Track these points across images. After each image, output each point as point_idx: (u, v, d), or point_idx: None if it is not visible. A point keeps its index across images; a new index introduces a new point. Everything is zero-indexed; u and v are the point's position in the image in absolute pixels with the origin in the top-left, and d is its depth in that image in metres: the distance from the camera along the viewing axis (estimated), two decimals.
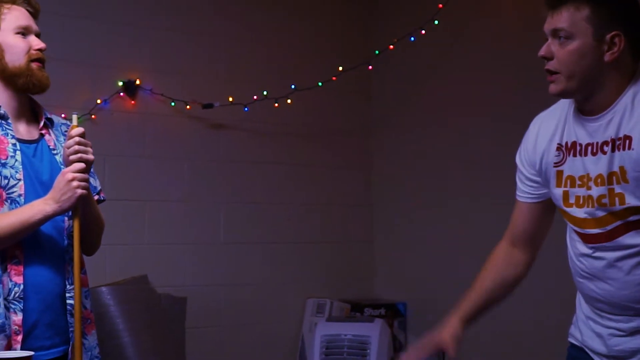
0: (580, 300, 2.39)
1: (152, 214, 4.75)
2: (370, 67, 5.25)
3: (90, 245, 2.62)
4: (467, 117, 4.98)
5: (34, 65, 2.52)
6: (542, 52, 2.20)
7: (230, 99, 4.94)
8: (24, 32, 2.53)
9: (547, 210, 2.42)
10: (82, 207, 2.48)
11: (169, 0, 4.88)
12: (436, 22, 4.86)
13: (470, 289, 2.48)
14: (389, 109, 5.52)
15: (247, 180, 5.11)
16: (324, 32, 5.46)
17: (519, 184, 2.43)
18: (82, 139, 2.45)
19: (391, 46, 5.08)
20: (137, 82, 4.68)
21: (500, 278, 2.48)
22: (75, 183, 2.39)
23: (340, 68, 5.17)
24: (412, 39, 4.98)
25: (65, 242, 2.53)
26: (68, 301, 2.50)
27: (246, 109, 5.00)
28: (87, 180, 2.44)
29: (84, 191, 2.41)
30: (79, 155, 2.43)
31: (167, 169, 4.82)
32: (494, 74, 4.81)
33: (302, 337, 5.04)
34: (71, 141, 2.44)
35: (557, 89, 2.19)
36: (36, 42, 2.54)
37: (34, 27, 2.57)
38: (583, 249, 2.27)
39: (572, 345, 2.43)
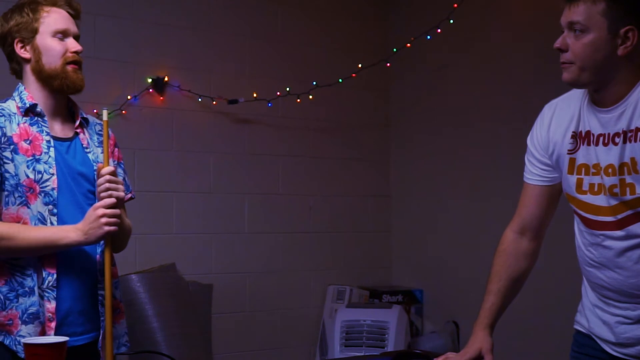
0: (586, 288, 2.36)
1: (179, 205, 4.75)
2: (388, 64, 5.22)
3: (117, 247, 2.59)
4: (481, 112, 4.94)
5: (70, 67, 2.48)
6: (557, 44, 2.17)
7: (255, 95, 4.94)
8: (62, 35, 2.49)
9: (555, 195, 2.38)
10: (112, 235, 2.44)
11: (196, 1, 4.87)
12: (451, 21, 4.82)
13: (486, 292, 2.41)
14: (406, 104, 5.50)
15: (270, 172, 5.10)
16: (344, 31, 5.44)
17: (528, 166, 2.39)
18: (112, 177, 2.43)
19: (408, 44, 5.06)
20: (166, 79, 4.68)
21: (514, 275, 2.42)
22: (104, 220, 2.37)
23: (360, 65, 5.14)
24: (429, 37, 4.95)
25: None
26: (99, 292, 2.49)
27: (270, 104, 4.99)
28: (117, 216, 2.41)
29: (111, 228, 2.38)
30: (110, 192, 2.40)
31: (193, 161, 4.82)
32: (507, 71, 4.77)
33: (323, 322, 5.03)
34: (102, 179, 2.42)
35: (569, 77, 2.17)
36: (73, 45, 2.50)
37: (73, 29, 2.52)
38: (592, 238, 2.24)
39: (579, 332, 2.40)
